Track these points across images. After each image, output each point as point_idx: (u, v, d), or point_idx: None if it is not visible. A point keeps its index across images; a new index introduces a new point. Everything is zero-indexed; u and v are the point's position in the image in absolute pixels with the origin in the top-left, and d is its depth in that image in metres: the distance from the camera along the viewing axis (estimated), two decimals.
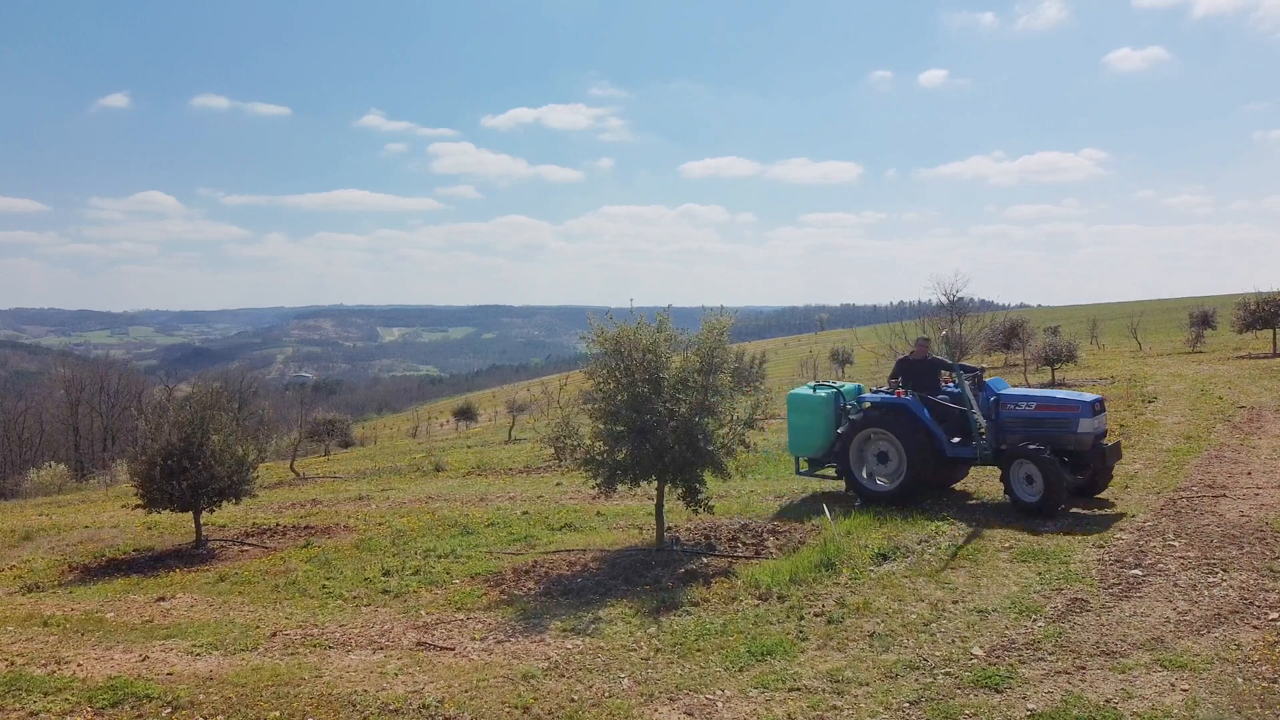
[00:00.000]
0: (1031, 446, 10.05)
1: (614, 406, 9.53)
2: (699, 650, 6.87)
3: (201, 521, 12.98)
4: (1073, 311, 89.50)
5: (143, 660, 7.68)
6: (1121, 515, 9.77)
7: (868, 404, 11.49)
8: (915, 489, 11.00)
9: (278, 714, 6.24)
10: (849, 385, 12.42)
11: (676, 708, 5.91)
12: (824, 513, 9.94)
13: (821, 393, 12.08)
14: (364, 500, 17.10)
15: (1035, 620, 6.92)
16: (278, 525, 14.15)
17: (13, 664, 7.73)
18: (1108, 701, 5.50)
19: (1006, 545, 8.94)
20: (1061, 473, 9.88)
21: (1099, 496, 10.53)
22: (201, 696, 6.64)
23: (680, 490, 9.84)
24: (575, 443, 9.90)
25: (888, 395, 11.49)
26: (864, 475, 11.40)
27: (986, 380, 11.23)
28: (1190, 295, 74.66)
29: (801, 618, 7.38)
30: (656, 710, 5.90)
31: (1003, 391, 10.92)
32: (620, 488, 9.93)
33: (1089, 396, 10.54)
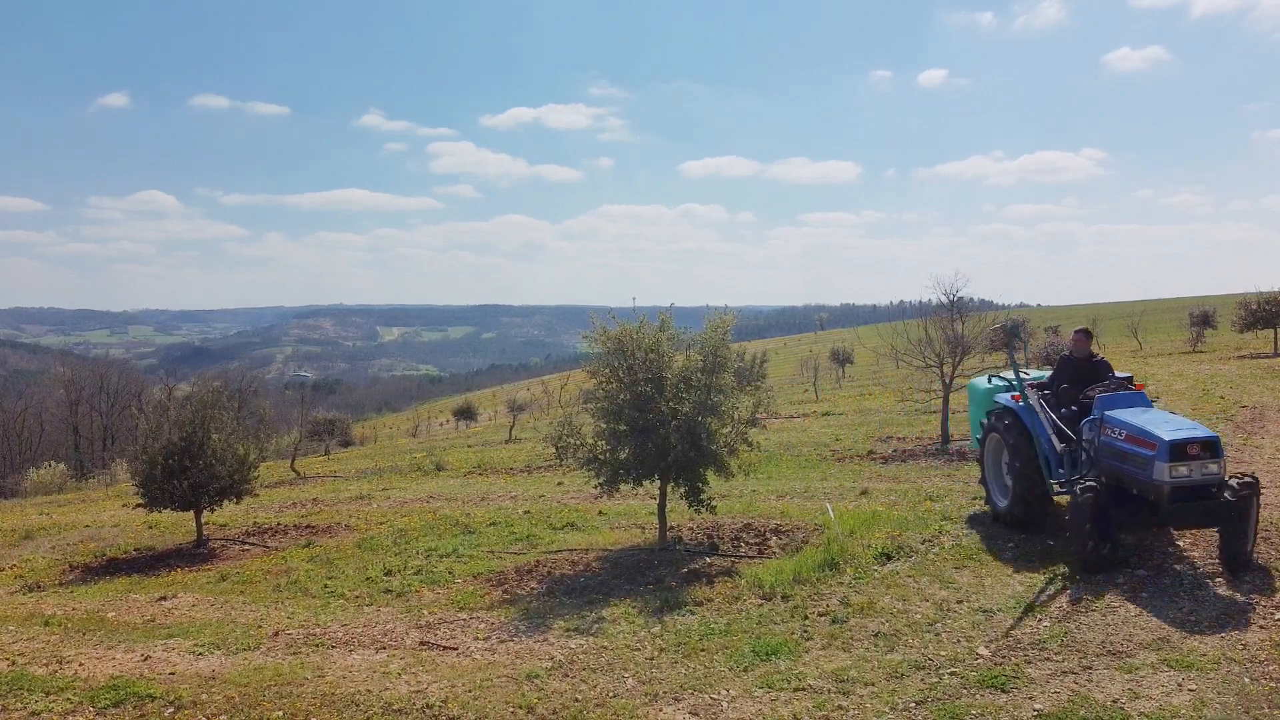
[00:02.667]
0: (1080, 483, 8.14)
1: (617, 405, 9.51)
2: (703, 650, 6.85)
3: (202, 521, 12.96)
4: (1073, 311, 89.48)
5: (145, 660, 7.65)
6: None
7: (997, 405, 9.98)
8: (1024, 513, 9.19)
9: (280, 714, 6.22)
10: (1042, 374, 10.23)
11: (681, 707, 5.89)
12: (827, 512, 9.92)
13: (995, 383, 10.65)
14: (365, 500, 17.08)
15: (1041, 620, 6.89)
16: (279, 524, 14.13)
17: (14, 663, 7.72)
18: (1114, 701, 5.47)
19: (1010, 544, 8.91)
20: (1086, 521, 7.78)
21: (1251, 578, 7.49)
22: (204, 696, 6.62)
23: (683, 489, 9.82)
24: (578, 442, 9.88)
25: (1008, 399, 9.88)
26: (1000, 485, 9.90)
27: (1104, 395, 8.63)
28: (1191, 295, 74.73)
29: (806, 617, 7.36)
30: (661, 710, 5.88)
31: (1108, 412, 8.43)
32: (623, 487, 9.91)
33: (1188, 432, 7.69)
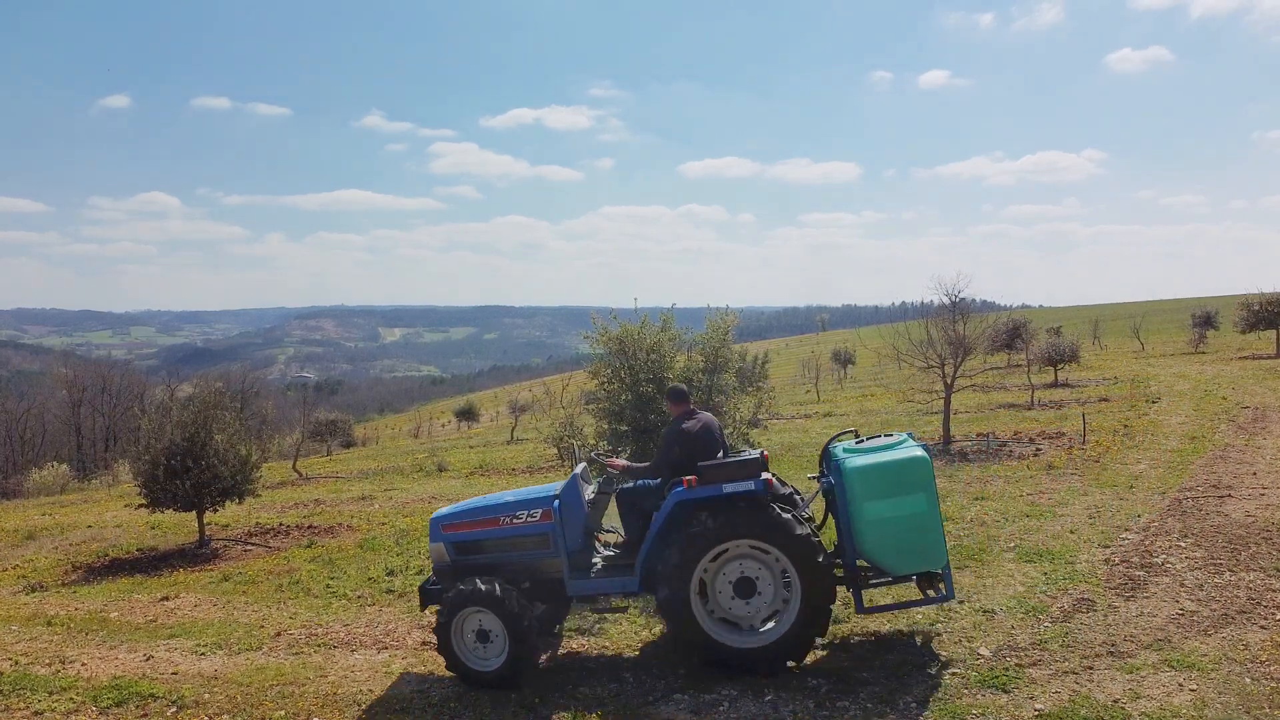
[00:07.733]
0: None
1: (618, 406, 9.53)
2: None
3: (205, 521, 12.97)
4: (1075, 312, 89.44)
5: (147, 660, 7.67)
6: (1127, 515, 9.75)
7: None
8: None
9: (283, 713, 6.23)
10: None
11: (682, 706, 5.90)
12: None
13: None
14: (367, 500, 17.09)
15: (1041, 620, 6.89)
16: (281, 525, 14.15)
17: (17, 663, 7.73)
18: (1115, 702, 5.48)
19: (1012, 545, 8.92)
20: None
21: None
22: (206, 696, 6.64)
23: None
24: (579, 442, 9.89)
25: None
26: None
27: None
28: (1192, 296, 74.63)
29: None
30: (662, 709, 5.89)
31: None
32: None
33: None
